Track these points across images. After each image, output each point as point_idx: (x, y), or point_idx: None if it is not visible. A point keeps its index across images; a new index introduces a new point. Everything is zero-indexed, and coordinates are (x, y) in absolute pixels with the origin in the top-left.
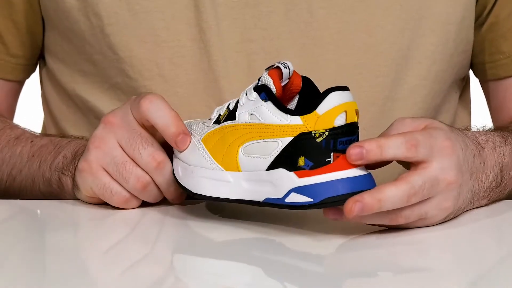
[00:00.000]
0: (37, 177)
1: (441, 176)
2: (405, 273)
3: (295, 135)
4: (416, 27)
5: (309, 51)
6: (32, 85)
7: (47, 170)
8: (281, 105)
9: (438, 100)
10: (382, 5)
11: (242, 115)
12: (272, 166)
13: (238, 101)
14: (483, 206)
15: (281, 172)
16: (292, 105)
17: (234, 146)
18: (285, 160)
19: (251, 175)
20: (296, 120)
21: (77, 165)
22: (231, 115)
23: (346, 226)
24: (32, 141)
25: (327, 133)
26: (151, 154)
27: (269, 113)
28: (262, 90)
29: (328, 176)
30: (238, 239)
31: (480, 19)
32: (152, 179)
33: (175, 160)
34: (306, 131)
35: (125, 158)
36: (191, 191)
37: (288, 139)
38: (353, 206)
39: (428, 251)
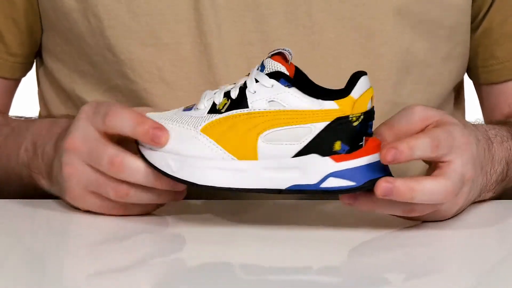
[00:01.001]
0: (10, 172)
1: (462, 170)
2: (417, 273)
3: (331, 120)
4: (415, 31)
5: (309, 55)
6: (28, 84)
7: (16, 166)
8: (306, 90)
9: (437, 104)
10: (381, 9)
11: (257, 103)
12: (302, 152)
13: (242, 89)
14: (487, 199)
15: (314, 157)
16: None
17: (251, 135)
18: (318, 145)
19: (272, 163)
20: (330, 104)
21: (53, 176)
22: (236, 103)
23: (356, 224)
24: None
25: (362, 116)
26: (108, 160)
27: (296, 99)
28: (280, 77)
29: (367, 159)
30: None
31: (474, 23)
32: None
33: (159, 155)
34: (343, 115)
35: (96, 175)
36: (196, 184)
37: (322, 124)
38: (379, 188)
39: (441, 252)
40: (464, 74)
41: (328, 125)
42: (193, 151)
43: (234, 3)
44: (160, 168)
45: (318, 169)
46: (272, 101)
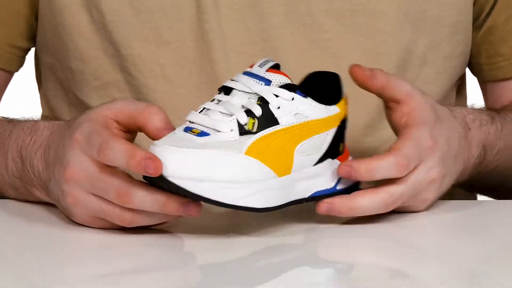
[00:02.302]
0: (1, 182)
1: (424, 176)
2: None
3: (338, 124)
4: (414, 30)
5: (309, 54)
6: (28, 84)
7: (6, 176)
8: (317, 98)
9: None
10: (381, 8)
11: (285, 117)
12: (320, 159)
13: (262, 105)
14: (464, 180)
15: (329, 162)
16: None
17: (288, 149)
18: (330, 150)
19: (301, 174)
20: (335, 109)
21: (54, 193)
22: (265, 121)
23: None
24: None
25: (347, 115)
26: (115, 192)
27: (314, 108)
28: (295, 89)
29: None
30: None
31: (477, 22)
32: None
33: (210, 185)
34: (344, 117)
35: (100, 205)
36: (255, 208)
37: (334, 130)
38: (322, 207)
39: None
40: (463, 72)
41: (337, 129)
42: (247, 175)
43: (235, 2)
44: (217, 200)
45: (334, 173)
46: (297, 114)
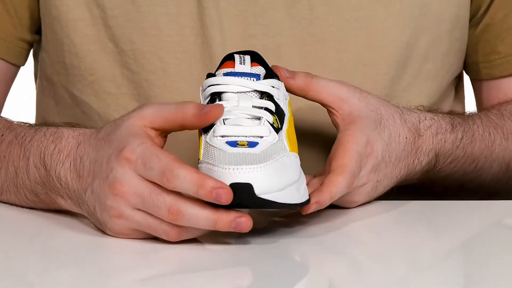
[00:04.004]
0: (19, 185)
1: (358, 181)
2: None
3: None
4: (415, 25)
5: (310, 48)
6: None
7: (27, 180)
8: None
9: (435, 98)
10: (382, 3)
11: (284, 105)
12: None
13: (275, 101)
14: (414, 182)
15: None
16: None
17: (294, 133)
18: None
19: None
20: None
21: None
22: (279, 114)
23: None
24: (2, 135)
25: None
26: (166, 210)
27: (284, 87)
28: (274, 75)
29: None
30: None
31: (474, 19)
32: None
33: (285, 192)
34: None
35: (147, 220)
36: (308, 200)
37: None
38: (311, 208)
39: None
40: (460, 70)
41: None
42: (299, 171)
43: None
44: (296, 203)
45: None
46: (286, 98)
